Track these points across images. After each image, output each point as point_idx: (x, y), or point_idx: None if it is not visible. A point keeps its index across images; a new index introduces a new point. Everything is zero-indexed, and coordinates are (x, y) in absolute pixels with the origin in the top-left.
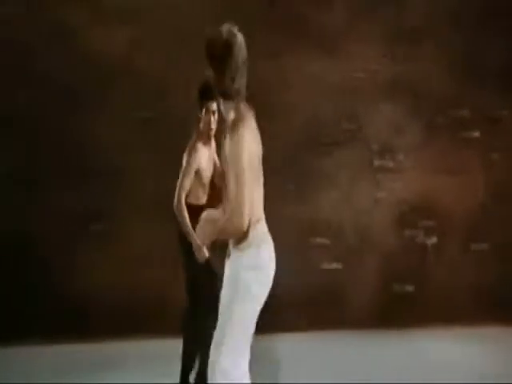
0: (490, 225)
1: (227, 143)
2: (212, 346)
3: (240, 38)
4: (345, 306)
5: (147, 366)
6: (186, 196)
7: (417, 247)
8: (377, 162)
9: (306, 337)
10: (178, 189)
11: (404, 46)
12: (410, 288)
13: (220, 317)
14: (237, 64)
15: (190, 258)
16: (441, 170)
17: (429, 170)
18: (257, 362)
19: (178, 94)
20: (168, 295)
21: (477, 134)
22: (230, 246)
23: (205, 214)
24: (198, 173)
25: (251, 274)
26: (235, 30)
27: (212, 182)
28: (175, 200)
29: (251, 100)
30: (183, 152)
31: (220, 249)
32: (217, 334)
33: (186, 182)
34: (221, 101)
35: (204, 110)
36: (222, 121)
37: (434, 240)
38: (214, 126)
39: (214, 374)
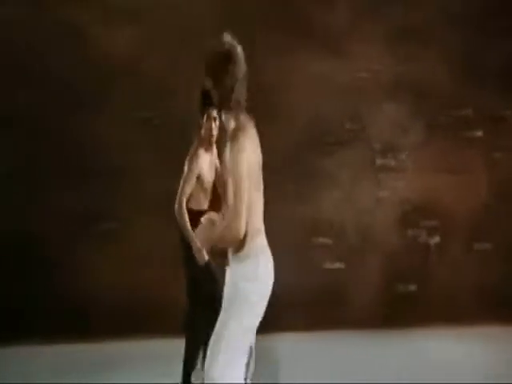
0: (493, 224)
1: (227, 152)
2: (208, 354)
3: (240, 49)
4: (347, 306)
5: (147, 365)
6: (188, 201)
7: (419, 247)
8: (379, 162)
9: (309, 337)
10: (179, 194)
11: (407, 46)
12: (412, 288)
13: (218, 324)
14: (237, 74)
15: (190, 260)
16: (443, 169)
17: (431, 170)
18: (258, 362)
19: (179, 94)
20: (168, 295)
21: (480, 133)
22: (230, 256)
23: (205, 217)
24: (199, 178)
25: (249, 286)
26: (235, 41)
27: (213, 187)
28: (176, 205)
29: (255, 99)
30: (184, 152)
31: (220, 256)
32: (213, 342)
33: (187, 188)
34: (222, 111)
35: (205, 117)
36: (223, 128)
37: (436, 240)
38: (215, 132)
39: (209, 381)
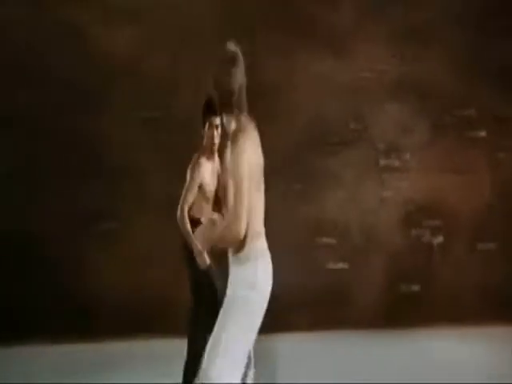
0: (497, 224)
1: (228, 153)
2: (206, 354)
3: (241, 56)
4: (351, 306)
5: (148, 365)
6: (190, 209)
7: (423, 247)
8: (383, 162)
9: (312, 336)
10: (181, 202)
11: (411, 46)
12: (416, 288)
13: (216, 326)
14: (239, 78)
15: (192, 263)
16: (447, 169)
17: (435, 170)
18: (262, 362)
19: (179, 94)
20: (168, 295)
21: (483, 133)
22: (230, 260)
23: (206, 219)
24: (201, 187)
25: (248, 294)
26: (238, 48)
27: (216, 196)
28: (178, 212)
29: (258, 100)
30: (186, 152)
31: (220, 258)
32: (211, 344)
33: (190, 196)
34: (223, 114)
35: (207, 125)
36: (225, 135)
37: (440, 239)
38: (217, 140)
39: (207, 381)
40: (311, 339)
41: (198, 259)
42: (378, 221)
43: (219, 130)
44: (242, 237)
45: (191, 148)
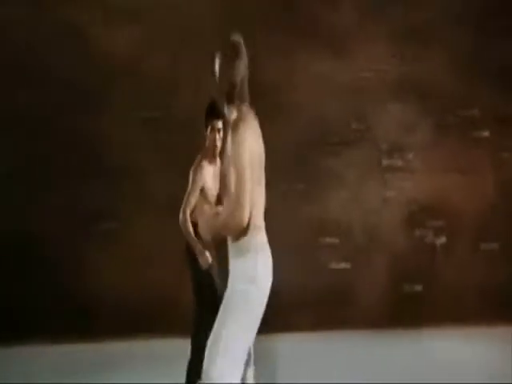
0: (500, 224)
1: (229, 143)
2: (206, 353)
3: (244, 48)
4: (353, 306)
5: (148, 365)
6: (192, 212)
7: (426, 247)
8: (385, 162)
9: (315, 336)
10: (183, 205)
11: (411, 46)
12: (418, 288)
13: (216, 324)
14: (242, 70)
15: (195, 264)
16: (450, 169)
17: (438, 170)
18: (261, 362)
19: (179, 94)
20: (168, 295)
21: (486, 133)
22: (230, 253)
23: (210, 210)
24: (203, 190)
25: (248, 288)
26: (241, 40)
27: (218, 199)
28: (180, 215)
29: (260, 100)
30: (186, 152)
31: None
32: (212, 342)
33: (192, 199)
34: (225, 104)
35: (209, 128)
36: (226, 138)
37: (443, 240)
38: (219, 143)
39: (208, 381)
40: (314, 339)
41: (200, 259)
42: (381, 221)
43: (221, 133)
44: (245, 224)
45: (191, 148)
